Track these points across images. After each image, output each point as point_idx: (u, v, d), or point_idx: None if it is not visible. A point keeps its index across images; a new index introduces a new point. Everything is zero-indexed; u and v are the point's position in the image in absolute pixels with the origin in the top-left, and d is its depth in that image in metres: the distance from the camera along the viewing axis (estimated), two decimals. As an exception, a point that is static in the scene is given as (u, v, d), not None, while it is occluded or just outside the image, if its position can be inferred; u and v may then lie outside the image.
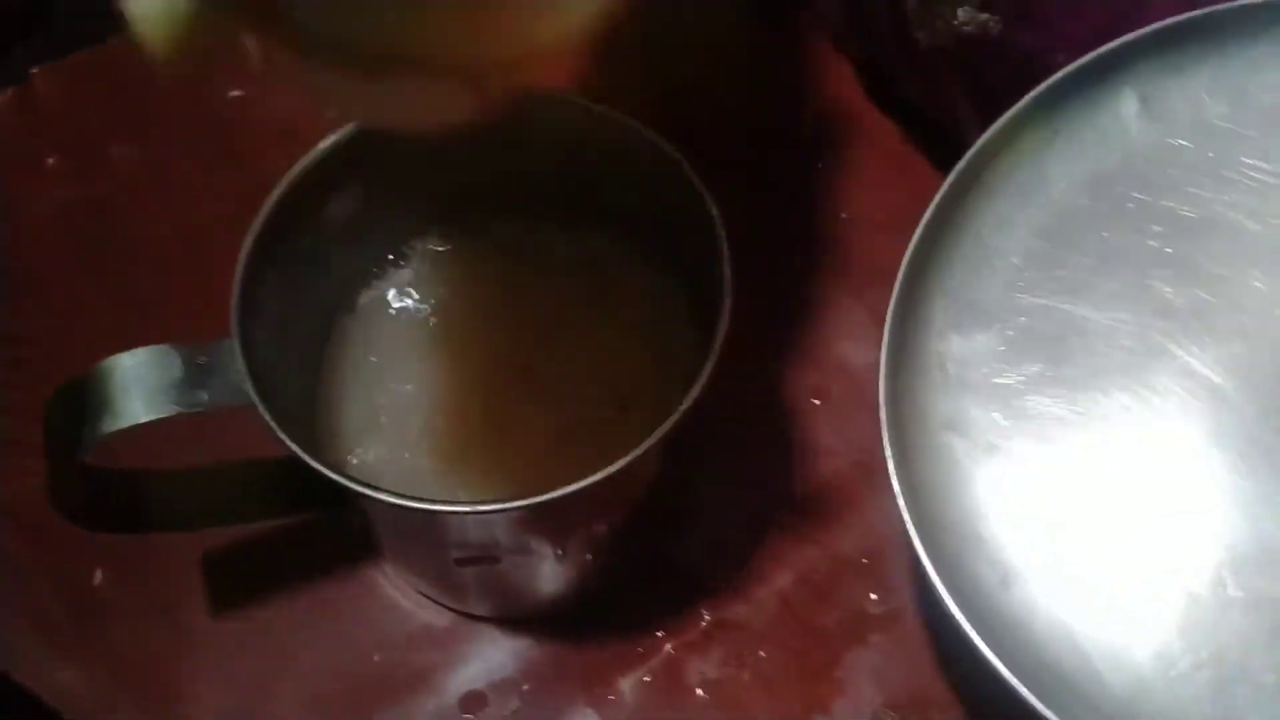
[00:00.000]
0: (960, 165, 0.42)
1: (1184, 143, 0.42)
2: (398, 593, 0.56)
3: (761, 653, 0.55)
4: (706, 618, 0.55)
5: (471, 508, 0.43)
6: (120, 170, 0.64)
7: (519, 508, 0.43)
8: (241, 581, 0.56)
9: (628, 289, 0.54)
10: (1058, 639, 0.37)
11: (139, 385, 0.44)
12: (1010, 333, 0.41)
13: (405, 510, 0.44)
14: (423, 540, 0.50)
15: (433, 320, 0.54)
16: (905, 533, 0.40)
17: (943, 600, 0.37)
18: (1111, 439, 0.40)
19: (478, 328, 0.54)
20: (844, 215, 0.61)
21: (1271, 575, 0.37)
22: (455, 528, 0.47)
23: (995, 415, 0.40)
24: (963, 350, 0.41)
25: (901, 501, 0.38)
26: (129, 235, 0.63)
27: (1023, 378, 0.40)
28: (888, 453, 0.39)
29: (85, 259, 0.62)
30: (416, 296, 0.54)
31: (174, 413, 0.44)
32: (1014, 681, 0.36)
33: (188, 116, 0.65)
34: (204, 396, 0.44)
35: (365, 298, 0.55)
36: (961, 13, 0.47)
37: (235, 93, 0.65)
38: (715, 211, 0.46)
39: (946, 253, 0.42)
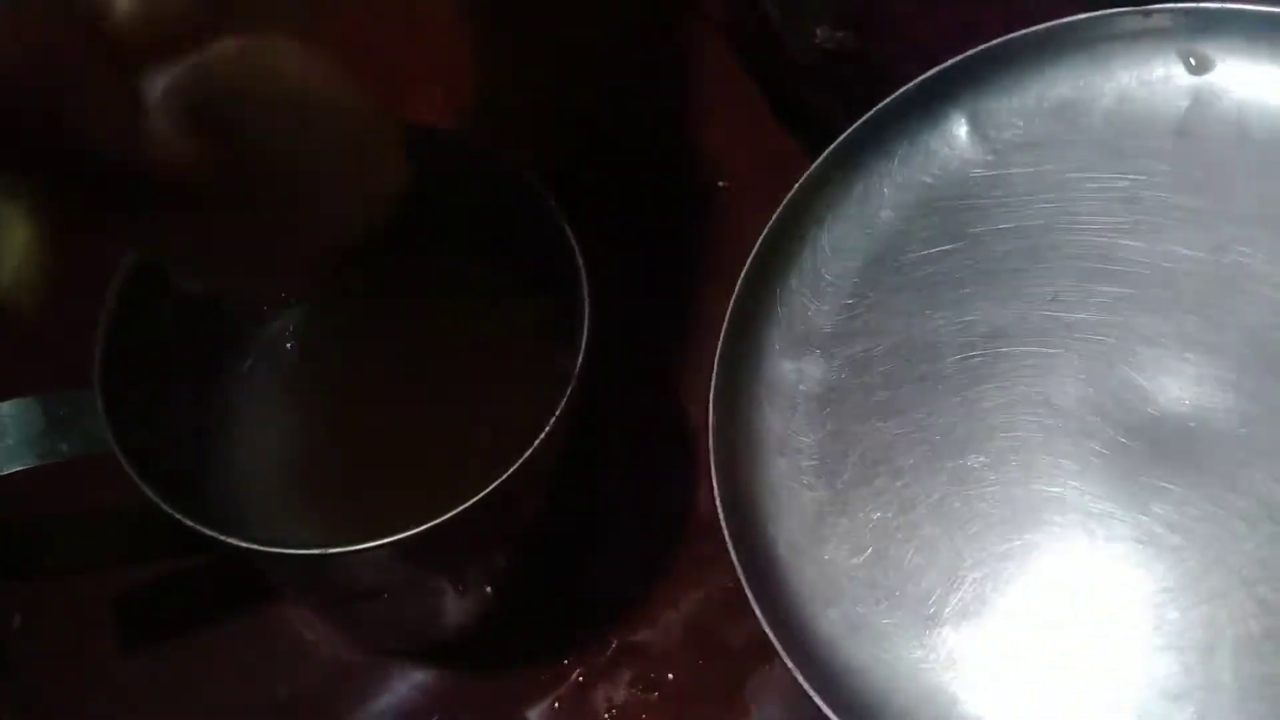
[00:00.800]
0: (793, 191, 0.42)
1: (1014, 161, 0.42)
2: (305, 629, 0.56)
3: (670, 675, 0.54)
4: (614, 643, 0.55)
5: (323, 549, 0.43)
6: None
7: (376, 546, 0.43)
8: (151, 622, 0.56)
9: (506, 317, 0.54)
10: (871, 655, 0.37)
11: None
12: (842, 359, 0.41)
13: (270, 555, 0.44)
14: (306, 581, 0.50)
15: (313, 357, 0.54)
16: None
17: (760, 619, 0.36)
18: (945, 455, 0.39)
19: (359, 363, 0.54)
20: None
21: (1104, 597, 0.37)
22: (329, 568, 0.47)
23: (827, 440, 0.40)
24: (795, 376, 0.40)
25: (724, 523, 0.38)
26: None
27: (856, 405, 0.40)
28: (715, 479, 0.38)
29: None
30: (299, 333, 0.54)
31: (34, 464, 0.44)
32: (816, 697, 0.36)
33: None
34: (63, 448, 0.44)
35: (251, 337, 0.54)
36: (820, 32, 0.46)
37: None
38: (574, 243, 0.46)
39: (782, 278, 0.42)
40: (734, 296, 0.40)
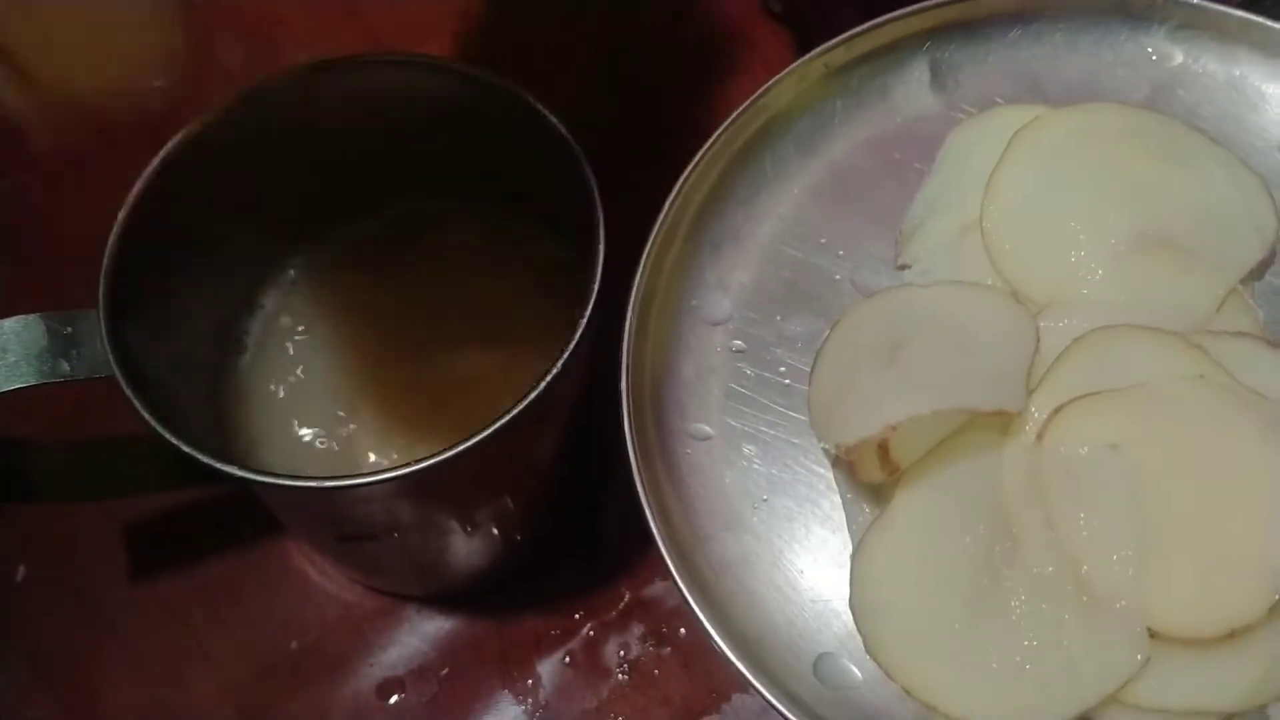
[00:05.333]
0: (742, 107, 0.42)
1: (966, 114, 0.42)
2: (313, 569, 0.55)
3: (682, 630, 0.53)
4: (626, 596, 0.54)
5: (325, 481, 0.42)
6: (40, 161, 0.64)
7: (381, 480, 0.42)
8: (159, 564, 0.56)
9: (527, 258, 0.53)
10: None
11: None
12: (771, 284, 0.41)
13: (277, 488, 0.43)
14: (315, 518, 0.49)
15: (328, 297, 0.53)
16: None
17: (677, 584, 0.37)
18: None
19: (375, 304, 0.53)
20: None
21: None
22: (337, 503, 0.46)
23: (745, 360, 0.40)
24: (717, 308, 0.40)
25: (644, 496, 0.37)
26: (48, 225, 0.63)
27: (778, 334, 0.40)
28: (626, 419, 0.38)
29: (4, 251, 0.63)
30: (315, 271, 0.54)
31: (35, 383, 0.43)
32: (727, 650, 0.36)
33: (109, 107, 0.65)
34: (65, 368, 0.43)
35: (266, 274, 0.54)
36: None
37: (159, 83, 0.65)
38: (591, 178, 0.45)
39: (725, 194, 0.42)
40: (667, 208, 0.40)
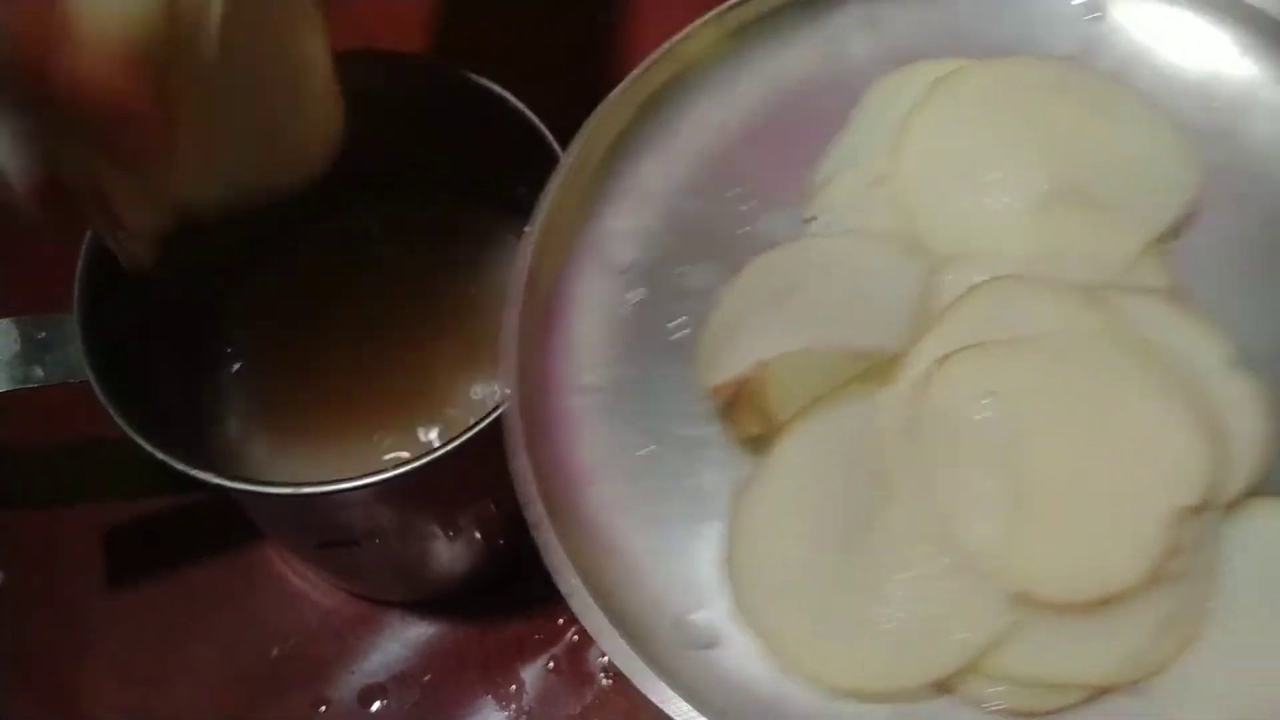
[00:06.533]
0: (664, 46, 0.40)
1: (889, 68, 0.41)
2: (295, 575, 0.55)
3: (667, 636, 0.53)
4: (610, 601, 0.53)
5: (303, 488, 0.42)
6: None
7: (360, 486, 0.42)
8: (139, 569, 0.55)
9: (487, 253, 0.53)
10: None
11: (-31, 361, 0.43)
12: (677, 236, 0.39)
13: (254, 495, 0.43)
14: (294, 524, 0.49)
15: (302, 298, 0.53)
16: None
17: (543, 534, 0.35)
18: None
19: (346, 305, 0.53)
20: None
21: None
22: (316, 510, 0.46)
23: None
24: (619, 257, 0.39)
25: (522, 453, 0.36)
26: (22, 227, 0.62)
27: (680, 286, 0.39)
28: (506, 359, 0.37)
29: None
30: (288, 275, 0.53)
31: (7, 389, 0.43)
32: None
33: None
34: (40, 373, 0.43)
35: (241, 279, 0.53)
36: None
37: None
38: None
39: (639, 133, 0.40)
40: (571, 152, 0.39)
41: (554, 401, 0.38)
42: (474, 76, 0.47)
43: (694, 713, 0.32)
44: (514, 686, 0.53)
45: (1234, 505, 0.34)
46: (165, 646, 0.54)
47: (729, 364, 0.36)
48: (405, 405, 0.51)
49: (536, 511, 0.35)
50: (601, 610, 0.34)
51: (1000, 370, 0.34)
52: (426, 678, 0.53)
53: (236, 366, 0.53)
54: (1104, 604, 0.32)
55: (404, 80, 0.48)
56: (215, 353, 0.53)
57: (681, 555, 0.36)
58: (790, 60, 0.42)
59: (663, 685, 0.33)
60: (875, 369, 0.36)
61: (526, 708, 0.52)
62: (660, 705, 0.33)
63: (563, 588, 0.34)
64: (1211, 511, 0.33)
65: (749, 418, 0.36)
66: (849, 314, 0.36)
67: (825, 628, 0.33)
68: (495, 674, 0.53)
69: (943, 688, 0.33)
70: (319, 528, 0.48)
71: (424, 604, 0.54)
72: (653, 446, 0.37)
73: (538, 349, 0.38)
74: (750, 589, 0.34)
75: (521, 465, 0.36)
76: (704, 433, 0.37)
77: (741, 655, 0.34)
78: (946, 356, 0.35)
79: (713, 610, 0.35)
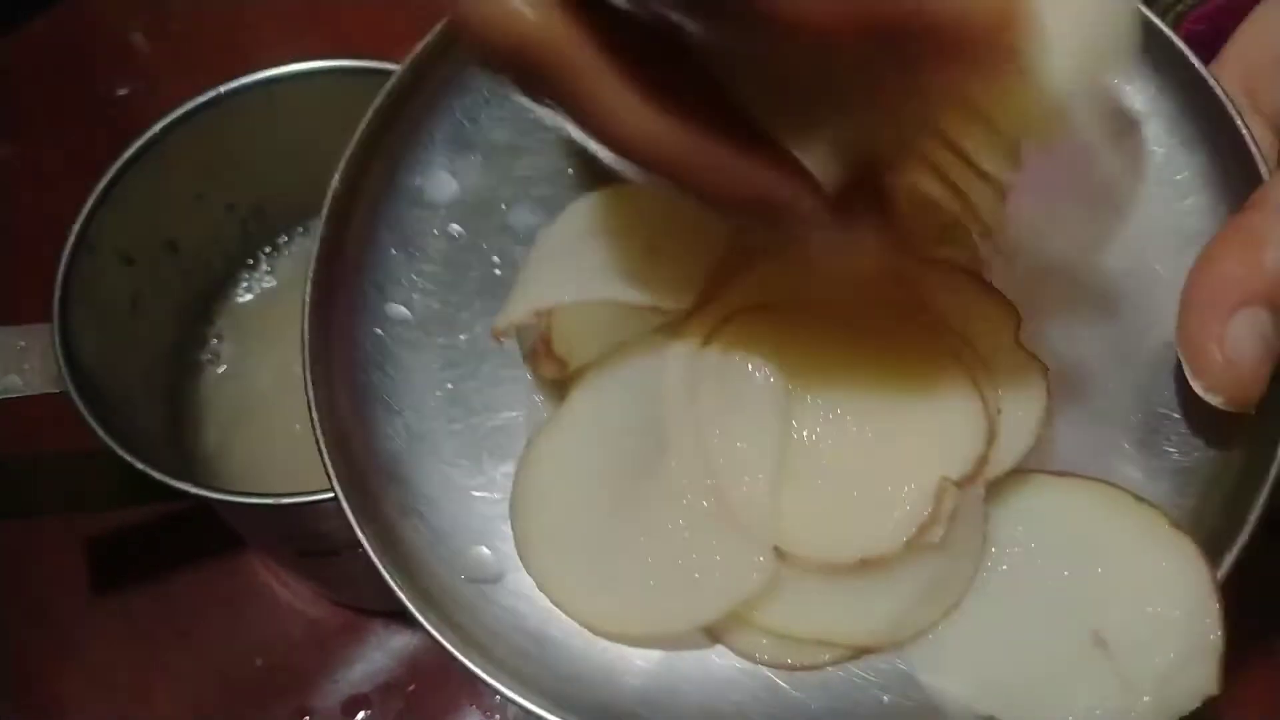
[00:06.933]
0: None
1: None
2: (278, 584, 0.54)
3: (652, 646, 0.52)
4: (594, 611, 0.53)
5: (281, 498, 0.41)
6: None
7: (335, 498, 0.41)
8: (121, 579, 0.55)
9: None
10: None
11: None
12: (500, 172, 0.38)
13: (232, 505, 0.43)
14: (276, 534, 0.49)
15: (277, 311, 0.52)
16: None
17: (325, 465, 0.35)
18: None
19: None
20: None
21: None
22: (297, 520, 0.45)
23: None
24: (439, 191, 0.38)
25: (317, 422, 0.35)
26: (1, 236, 0.62)
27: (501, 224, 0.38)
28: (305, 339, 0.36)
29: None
30: (272, 285, 0.53)
31: (-16, 397, 0.43)
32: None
33: (71, 115, 0.64)
34: (17, 382, 0.43)
35: (218, 291, 0.53)
36: None
37: (122, 91, 0.64)
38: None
39: (452, 85, 0.39)
40: (392, 84, 0.38)
41: (359, 328, 0.37)
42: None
43: (451, 649, 0.33)
44: (498, 697, 0.52)
45: (1004, 480, 0.33)
46: (147, 657, 0.54)
47: (511, 309, 0.35)
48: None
49: (327, 438, 0.35)
50: (378, 537, 0.34)
51: (780, 333, 0.35)
52: (411, 688, 0.53)
53: (216, 375, 0.52)
54: (864, 568, 0.33)
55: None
56: (195, 362, 0.52)
57: (472, 492, 0.36)
58: None
59: (432, 614, 0.34)
60: (672, 324, 0.35)
61: (511, 717, 0.52)
62: (429, 630, 0.33)
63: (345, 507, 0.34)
64: (979, 485, 0.33)
65: (547, 363, 0.35)
66: (638, 266, 0.36)
67: (595, 576, 0.34)
68: (479, 684, 0.52)
69: (713, 637, 0.33)
70: (299, 537, 0.48)
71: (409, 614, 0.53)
72: (459, 383, 0.37)
73: (347, 276, 0.38)
74: (526, 530, 0.35)
75: (321, 395, 0.35)
76: (511, 374, 0.37)
77: (517, 593, 0.34)
78: (731, 315, 0.35)
79: (495, 548, 0.35)
